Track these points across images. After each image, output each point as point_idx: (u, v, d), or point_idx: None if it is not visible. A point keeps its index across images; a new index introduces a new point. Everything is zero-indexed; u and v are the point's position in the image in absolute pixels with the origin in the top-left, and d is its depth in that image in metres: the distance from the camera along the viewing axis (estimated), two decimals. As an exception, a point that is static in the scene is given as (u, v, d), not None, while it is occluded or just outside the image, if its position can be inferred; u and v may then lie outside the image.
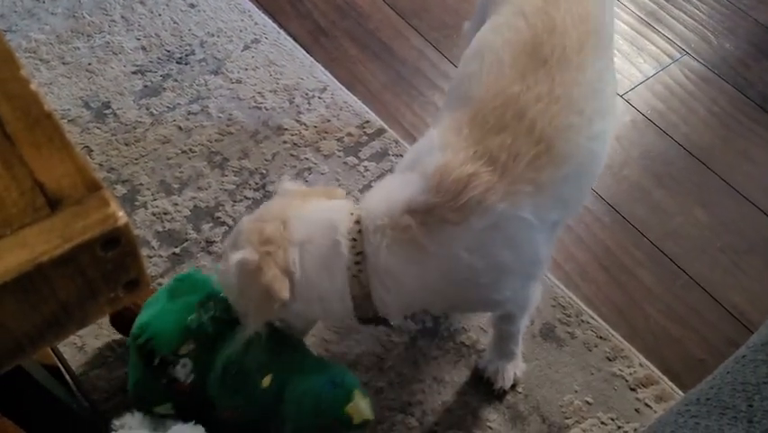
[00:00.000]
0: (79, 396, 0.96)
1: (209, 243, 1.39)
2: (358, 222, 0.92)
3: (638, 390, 1.27)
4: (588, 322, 1.34)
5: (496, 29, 1.01)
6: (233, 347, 0.99)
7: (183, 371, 1.02)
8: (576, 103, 0.92)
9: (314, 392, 0.99)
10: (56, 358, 1.01)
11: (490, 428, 1.21)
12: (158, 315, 1.06)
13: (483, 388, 1.25)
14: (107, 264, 0.48)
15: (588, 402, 1.25)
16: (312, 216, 0.94)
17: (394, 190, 0.94)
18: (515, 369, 1.24)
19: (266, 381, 1.00)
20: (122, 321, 1.16)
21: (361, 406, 0.99)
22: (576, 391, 1.26)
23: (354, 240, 0.91)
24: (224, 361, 1.01)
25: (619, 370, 1.29)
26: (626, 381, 1.28)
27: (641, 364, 1.30)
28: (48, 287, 0.47)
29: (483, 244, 0.90)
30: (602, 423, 1.23)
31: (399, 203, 0.90)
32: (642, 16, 1.89)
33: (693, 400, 0.63)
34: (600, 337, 1.33)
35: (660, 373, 1.29)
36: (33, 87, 0.53)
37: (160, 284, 1.33)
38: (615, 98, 1.04)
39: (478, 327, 1.32)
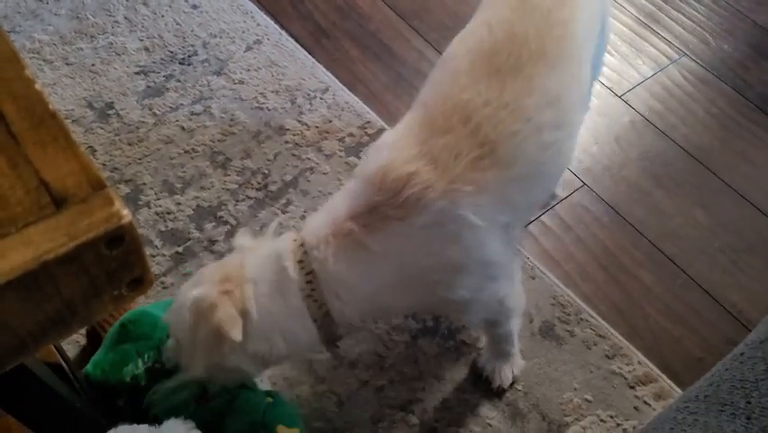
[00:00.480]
0: (82, 394, 0.97)
1: (212, 242, 1.40)
2: (302, 244, 0.92)
3: (637, 388, 1.28)
4: (587, 321, 1.35)
5: (463, 37, 1.04)
6: (160, 392, 0.97)
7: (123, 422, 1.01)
8: (524, 111, 0.92)
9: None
10: (59, 356, 1.02)
11: (490, 425, 1.22)
12: (97, 363, 1.06)
13: (483, 386, 1.25)
14: (112, 262, 0.49)
15: (587, 400, 1.26)
16: (261, 253, 0.94)
17: (335, 204, 0.94)
18: (512, 367, 1.24)
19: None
20: (98, 339, 1.16)
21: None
22: (575, 389, 1.27)
23: (301, 261, 0.91)
24: (151, 407, 0.99)
25: (618, 368, 1.30)
26: (626, 379, 1.29)
27: (640, 363, 1.30)
28: (52, 285, 0.48)
29: (427, 241, 0.91)
30: (601, 421, 1.24)
31: (342, 211, 0.91)
32: (640, 18, 1.90)
33: (692, 398, 0.64)
34: (600, 336, 1.33)
35: (659, 372, 1.29)
36: (38, 86, 0.53)
37: (163, 283, 1.34)
38: (576, 111, 1.02)
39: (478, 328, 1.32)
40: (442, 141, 0.90)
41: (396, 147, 0.93)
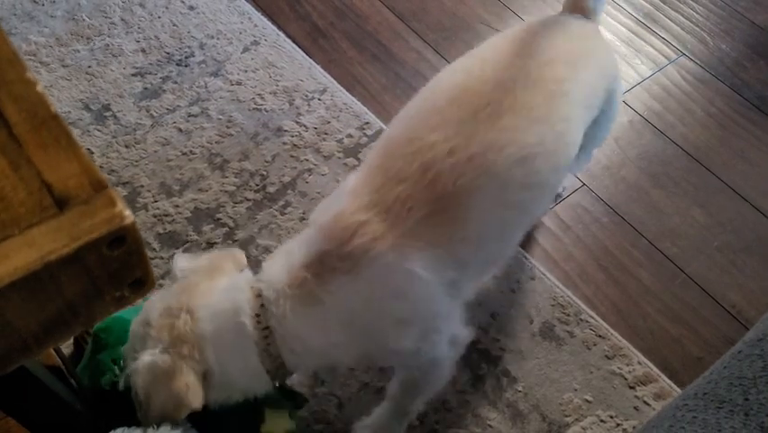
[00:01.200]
0: (81, 395, 0.96)
1: (210, 244, 1.39)
2: (259, 296, 0.89)
3: (637, 388, 1.28)
4: (587, 321, 1.35)
5: (453, 68, 0.99)
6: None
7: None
8: (491, 166, 0.87)
9: (228, 429, 0.98)
10: (58, 358, 1.01)
11: (490, 426, 1.22)
12: (79, 374, 1.05)
13: (483, 387, 1.25)
14: (113, 263, 0.49)
15: (587, 400, 1.26)
16: (216, 302, 0.89)
17: (291, 251, 0.91)
18: None
19: None
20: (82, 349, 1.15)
21: (276, 421, 0.99)
22: (575, 390, 1.27)
23: (258, 315, 0.88)
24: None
25: (618, 368, 1.30)
26: (625, 379, 1.29)
27: (639, 363, 1.31)
28: (55, 286, 0.48)
29: (373, 294, 0.87)
30: (601, 421, 1.24)
31: (296, 261, 0.88)
32: (639, 18, 1.90)
33: (691, 395, 0.64)
34: (599, 336, 1.33)
35: (658, 371, 1.29)
36: (39, 88, 0.53)
37: (161, 286, 1.33)
38: (552, 173, 0.96)
39: (478, 328, 1.32)
40: (397, 189, 0.86)
41: (352, 193, 0.89)
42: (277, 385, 0.95)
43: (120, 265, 0.50)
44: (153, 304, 0.91)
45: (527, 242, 1.46)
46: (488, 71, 0.93)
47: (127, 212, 0.48)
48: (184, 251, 1.38)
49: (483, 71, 0.93)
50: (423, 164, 0.86)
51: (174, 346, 0.85)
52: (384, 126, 1.60)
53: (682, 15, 1.92)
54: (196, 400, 0.84)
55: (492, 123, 0.87)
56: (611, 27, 1.88)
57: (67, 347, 1.23)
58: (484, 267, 1.03)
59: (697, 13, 1.92)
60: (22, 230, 0.46)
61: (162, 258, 1.37)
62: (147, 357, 0.85)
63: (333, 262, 0.86)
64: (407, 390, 1.09)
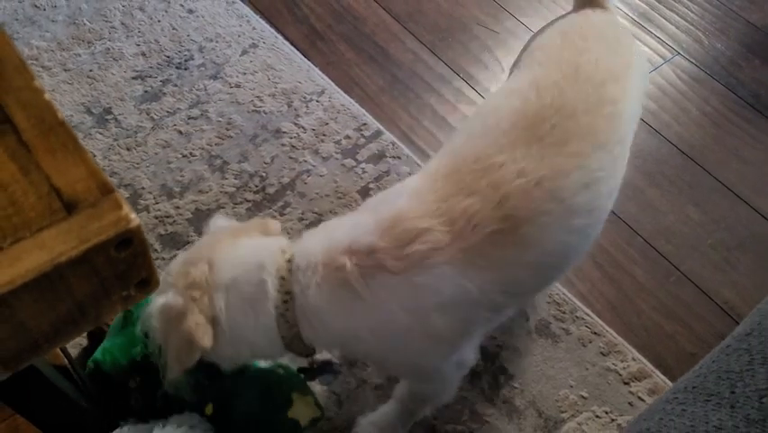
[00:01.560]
0: (87, 394, 0.98)
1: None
2: (290, 260, 0.89)
3: (632, 383, 1.30)
4: (582, 318, 1.37)
5: (508, 93, 0.98)
6: (166, 385, 0.97)
7: (136, 404, 1.03)
8: (560, 191, 0.87)
9: (253, 411, 0.99)
10: (64, 357, 1.03)
11: (487, 422, 1.24)
12: (106, 350, 1.07)
13: (480, 384, 1.27)
14: (120, 264, 0.51)
15: (582, 396, 1.28)
16: (239, 256, 0.90)
17: (339, 229, 0.91)
18: None
19: (208, 410, 1.00)
20: (98, 338, 1.17)
21: (303, 408, 1.00)
22: (571, 386, 1.29)
23: (283, 278, 0.87)
24: (162, 398, 1.01)
25: (613, 364, 1.32)
26: (620, 375, 1.31)
27: (634, 359, 1.33)
28: (64, 286, 0.49)
29: (417, 303, 0.86)
30: (597, 416, 1.26)
31: (341, 242, 0.87)
32: (634, 17, 1.93)
33: (681, 389, 0.66)
34: (595, 333, 1.35)
35: (652, 367, 1.31)
36: (47, 96, 0.55)
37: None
38: (611, 196, 0.96)
39: (475, 325, 1.34)
40: (464, 203, 0.85)
41: (416, 196, 0.88)
42: (307, 359, 0.96)
43: (127, 266, 0.51)
44: (178, 258, 0.95)
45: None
46: (545, 95, 0.92)
47: (133, 215, 0.50)
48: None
49: (541, 96, 0.93)
50: (492, 182, 0.85)
51: (187, 290, 0.86)
52: (381, 127, 1.61)
53: (677, 15, 1.94)
54: (206, 338, 0.84)
55: (560, 148, 0.88)
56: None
57: (80, 343, 1.25)
58: (531, 295, 1.02)
59: (692, 12, 1.94)
60: (32, 233, 0.48)
61: (164, 259, 1.39)
62: (161, 300, 0.87)
63: (384, 260, 0.84)
64: (414, 398, 1.10)
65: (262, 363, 1.05)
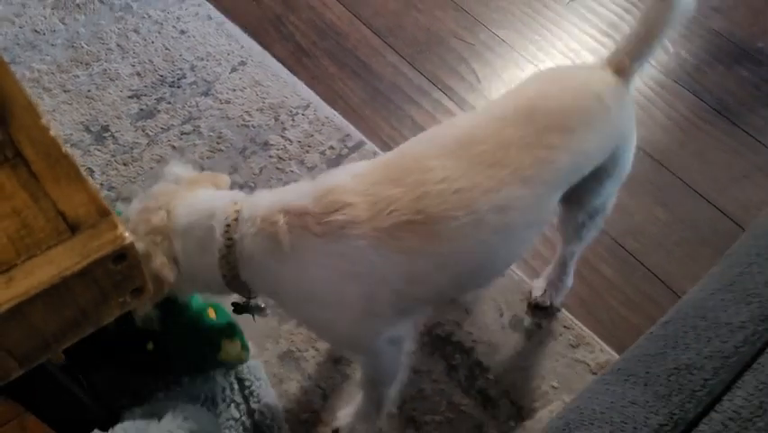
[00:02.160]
0: (90, 393, 1.08)
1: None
2: (238, 211, 1.00)
3: (599, 373, 1.39)
4: (553, 313, 1.46)
5: (469, 117, 1.12)
6: (137, 320, 1.12)
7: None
8: (472, 204, 0.96)
9: (189, 357, 1.20)
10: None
11: (464, 412, 1.33)
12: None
13: (457, 376, 1.37)
14: (117, 275, 0.60)
15: (553, 387, 1.38)
16: (194, 204, 1.02)
17: (285, 191, 1.04)
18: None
19: (149, 346, 1.20)
20: None
21: (231, 351, 1.20)
22: (543, 377, 1.39)
23: (228, 226, 0.99)
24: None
25: (582, 356, 1.41)
26: (589, 365, 1.40)
27: (602, 350, 1.42)
28: (70, 295, 0.59)
29: (330, 266, 0.97)
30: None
31: (281, 201, 0.99)
32: (603, 27, 2.02)
33: (609, 371, 0.75)
34: (565, 327, 1.45)
35: (619, 358, 1.41)
36: (52, 132, 0.65)
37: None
38: (523, 228, 1.04)
39: (453, 322, 1.44)
40: (390, 191, 0.96)
41: (354, 176, 1.00)
42: (241, 302, 1.12)
43: (123, 277, 0.61)
44: (134, 205, 1.05)
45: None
46: (495, 127, 1.03)
47: (127, 233, 0.59)
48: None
49: (492, 126, 1.04)
50: (418, 180, 0.96)
51: (148, 235, 0.98)
52: (364, 138, 1.71)
53: (645, 24, 2.03)
54: (170, 274, 0.98)
55: (484, 169, 0.98)
56: (577, 37, 2.00)
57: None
58: (432, 295, 1.10)
59: (658, 21, 2.04)
60: (43, 251, 0.57)
61: (161, 267, 1.48)
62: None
63: (310, 222, 0.96)
64: (365, 380, 1.22)
65: (201, 300, 1.24)
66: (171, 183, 1.09)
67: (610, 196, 1.25)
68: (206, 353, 1.22)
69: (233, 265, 1.00)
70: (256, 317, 1.19)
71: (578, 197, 1.20)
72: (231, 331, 1.23)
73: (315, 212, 0.96)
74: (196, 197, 1.04)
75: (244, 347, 1.24)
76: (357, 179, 1.00)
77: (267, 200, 1.01)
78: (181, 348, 1.21)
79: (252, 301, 1.13)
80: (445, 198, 0.96)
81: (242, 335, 1.26)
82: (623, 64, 1.12)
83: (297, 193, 1.00)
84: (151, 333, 1.20)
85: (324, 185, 0.99)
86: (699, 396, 0.64)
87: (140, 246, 0.95)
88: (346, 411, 1.28)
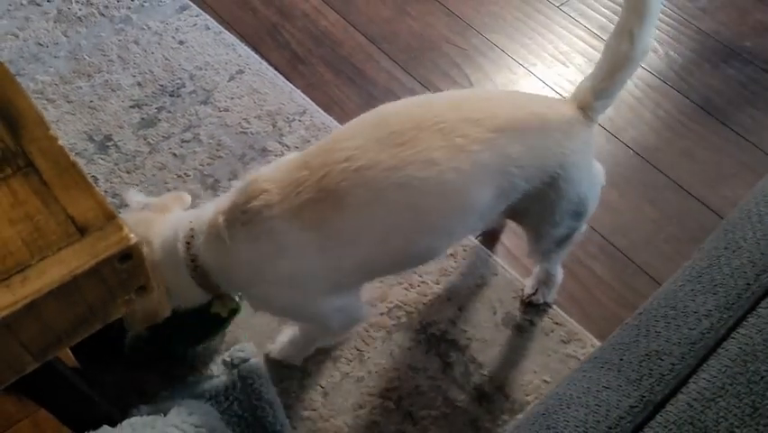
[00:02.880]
0: (99, 391, 1.12)
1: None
2: (192, 228, 1.10)
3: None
4: (545, 310, 1.51)
5: (400, 102, 1.14)
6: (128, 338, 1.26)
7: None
8: (371, 181, 1.01)
9: (180, 313, 1.23)
10: (76, 361, 1.18)
11: (460, 407, 1.38)
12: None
13: (452, 373, 1.41)
14: (123, 274, 0.65)
15: (546, 381, 1.42)
16: (164, 231, 1.12)
17: (222, 196, 1.14)
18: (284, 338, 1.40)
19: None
20: None
21: (221, 303, 1.24)
22: (535, 372, 1.43)
23: (188, 243, 1.10)
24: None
25: (573, 351, 1.46)
26: (580, 360, 1.44)
27: (593, 345, 1.46)
28: (80, 293, 0.64)
29: (255, 248, 1.07)
30: (557, 398, 1.39)
31: (219, 204, 1.10)
32: (592, 29, 2.07)
33: (589, 360, 0.80)
34: (556, 323, 1.49)
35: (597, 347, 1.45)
36: (60, 143, 0.70)
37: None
38: (436, 212, 1.08)
39: (447, 320, 1.48)
40: (298, 174, 1.04)
41: (277, 166, 1.10)
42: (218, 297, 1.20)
43: (128, 275, 0.65)
44: None
45: (491, 242, 1.62)
46: (417, 111, 1.06)
47: (132, 234, 0.64)
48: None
49: (414, 110, 1.07)
50: (324, 162, 1.04)
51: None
52: (360, 143, 1.76)
53: (633, 26, 2.08)
54: (166, 312, 1.11)
55: (391, 148, 1.02)
56: (567, 40, 2.05)
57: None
58: (365, 268, 1.16)
59: (646, 23, 2.08)
60: (54, 252, 0.62)
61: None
62: None
63: (237, 214, 1.06)
64: (303, 333, 1.35)
65: None
66: (139, 210, 1.19)
67: (572, 228, 1.26)
68: (196, 313, 1.24)
69: (204, 277, 1.10)
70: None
71: (534, 225, 1.26)
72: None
73: (240, 203, 1.06)
74: (164, 223, 1.14)
75: (235, 303, 1.28)
76: (279, 167, 1.09)
77: (210, 209, 1.12)
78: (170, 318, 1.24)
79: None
80: (346, 176, 1.02)
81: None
82: (586, 100, 1.13)
83: (230, 192, 1.11)
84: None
85: (249, 178, 1.09)
86: (668, 379, 0.68)
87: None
88: (285, 335, 1.40)
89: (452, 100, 1.12)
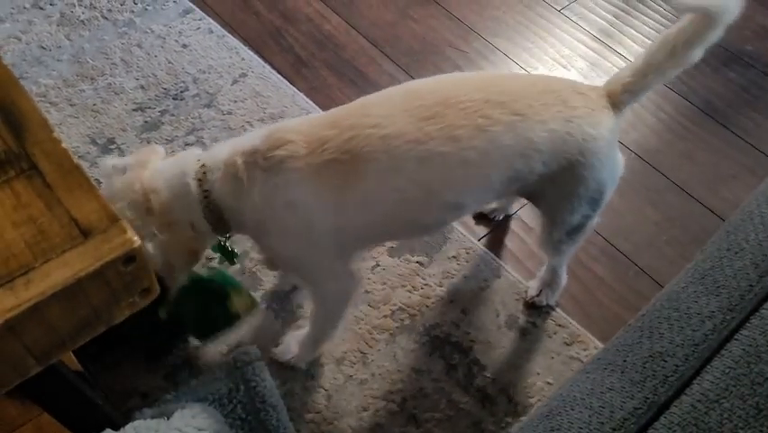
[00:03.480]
0: (102, 394, 1.13)
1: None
2: (203, 165, 1.11)
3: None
4: (548, 312, 1.51)
5: (433, 78, 1.17)
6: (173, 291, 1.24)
7: None
8: (393, 150, 1.04)
9: (199, 309, 1.27)
10: (80, 365, 1.18)
11: (463, 409, 1.38)
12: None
13: (456, 375, 1.41)
14: (127, 277, 0.65)
15: (548, 383, 1.42)
16: (165, 173, 1.12)
17: (240, 138, 1.14)
18: (293, 340, 1.40)
19: (162, 313, 1.25)
20: None
21: (239, 300, 1.28)
22: (538, 374, 1.43)
23: (200, 180, 1.10)
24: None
25: (576, 353, 1.46)
26: (582, 362, 1.44)
27: (595, 347, 1.46)
28: (84, 295, 0.64)
29: (272, 196, 1.08)
30: (560, 400, 1.39)
31: (239, 144, 1.11)
32: (594, 34, 2.07)
33: (590, 362, 0.80)
34: (559, 325, 1.49)
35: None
36: (64, 145, 0.70)
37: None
38: (448, 187, 1.10)
39: (451, 322, 1.48)
40: (325, 132, 1.06)
41: (305, 120, 1.12)
42: (221, 243, 1.25)
43: (132, 278, 0.65)
44: (114, 206, 1.16)
45: (494, 244, 1.62)
46: (445, 87, 1.10)
47: (135, 237, 0.64)
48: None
49: (443, 86, 1.11)
50: (352, 125, 1.06)
51: (161, 223, 1.09)
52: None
53: (634, 30, 2.08)
54: (202, 245, 1.16)
55: (415, 121, 1.05)
56: (569, 43, 2.05)
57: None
58: (373, 232, 1.19)
59: (649, 27, 2.09)
60: (58, 255, 0.62)
61: (167, 274, 1.53)
62: (150, 245, 1.08)
63: (258, 159, 1.07)
64: (313, 317, 1.35)
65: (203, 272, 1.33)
66: (120, 174, 1.17)
67: (586, 218, 1.26)
68: (217, 307, 1.28)
69: (215, 212, 1.11)
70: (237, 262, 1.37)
71: (549, 210, 1.26)
72: (235, 283, 1.32)
73: (262, 149, 1.08)
74: (163, 166, 1.14)
75: (252, 300, 1.31)
76: (306, 122, 1.11)
77: (225, 149, 1.12)
78: (192, 308, 1.27)
79: (229, 243, 1.28)
80: (371, 142, 1.05)
81: (246, 289, 1.33)
82: (615, 90, 1.15)
83: (250, 137, 1.12)
84: (161, 300, 1.26)
85: (274, 126, 1.11)
86: (671, 381, 0.68)
87: (164, 238, 1.09)
88: (289, 336, 1.41)
89: (480, 81, 1.14)
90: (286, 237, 1.13)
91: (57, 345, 0.66)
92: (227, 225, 1.14)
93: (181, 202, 1.10)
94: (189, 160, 1.14)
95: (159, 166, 1.14)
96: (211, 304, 1.28)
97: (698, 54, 1.10)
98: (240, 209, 1.11)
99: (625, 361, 0.73)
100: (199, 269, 1.35)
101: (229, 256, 1.32)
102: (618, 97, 1.15)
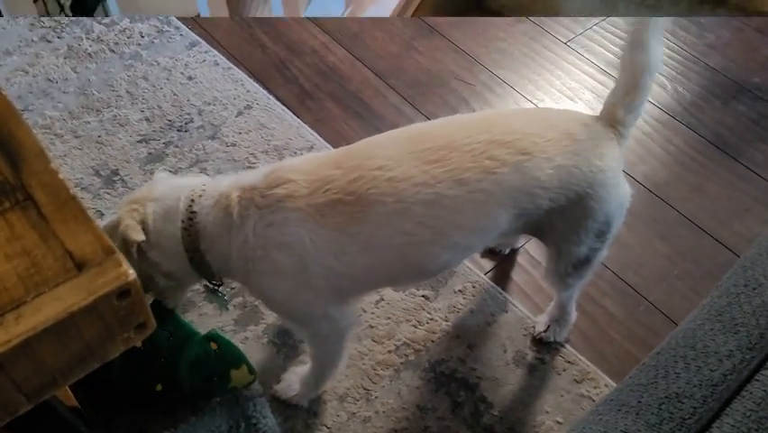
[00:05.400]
0: (92, 426, 1.09)
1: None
2: (204, 190, 1.10)
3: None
4: (556, 348, 1.47)
5: (438, 120, 1.17)
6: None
7: None
8: (400, 193, 1.03)
9: (198, 390, 1.27)
10: (76, 400, 1.15)
11: (469, 449, 1.34)
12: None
13: (462, 413, 1.37)
14: (121, 311, 0.63)
15: (558, 422, 1.38)
16: (173, 182, 1.14)
17: (244, 173, 1.13)
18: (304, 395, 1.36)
19: (158, 387, 1.26)
20: None
21: (240, 378, 1.27)
22: (547, 412, 1.39)
23: (192, 200, 1.09)
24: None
25: (587, 391, 1.42)
26: (593, 400, 1.40)
27: (606, 385, 1.42)
28: (77, 330, 0.61)
29: (265, 234, 1.05)
30: (570, 440, 1.35)
31: (238, 181, 1.10)
32: (601, 66, 2.07)
33: (602, 402, 0.77)
34: (568, 362, 1.46)
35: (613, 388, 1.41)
36: (61, 176, 0.68)
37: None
38: (456, 229, 1.08)
39: (456, 358, 1.45)
40: (329, 172, 1.05)
41: (306, 159, 1.11)
42: (208, 286, 1.24)
43: (127, 312, 0.63)
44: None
45: (501, 278, 1.60)
46: (450, 129, 1.09)
47: (131, 270, 0.62)
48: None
49: (448, 128, 1.10)
50: (357, 165, 1.04)
51: (127, 205, 1.10)
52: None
53: (641, 62, 2.07)
54: (137, 234, 1.07)
55: (423, 164, 1.04)
56: (575, 76, 2.04)
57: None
58: (374, 276, 1.16)
59: (655, 59, 2.08)
60: (51, 288, 0.60)
61: (168, 307, 1.51)
62: (104, 222, 1.10)
63: (255, 196, 1.06)
64: (311, 356, 1.33)
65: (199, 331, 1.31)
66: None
67: (594, 251, 1.23)
68: (216, 385, 1.26)
69: (193, 238, 1.09)
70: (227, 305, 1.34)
71: (555, 242, 1.23)
72: (236, 359, 1.27)
73: (261, 187, 1.06)
74: (173, 180, 1.17)
75: (251, 371, 1.28)
76: (308, 161, 1.09)
77: (227, 181, 1.12)
78: (191, 386, 1.25)
79: (220, 289, 1.25)
80: (377, 184, 1.03)
81: (246, 358, 1.29)
82: (615, 116, 1.16)
83: (253, 174, 1.11)
84: (160, 375, 1.25)
85: (276, 165, 1.10)
86: (689, 424, 0.65)
87: (112, 218, 1.11)
88: (290, 372, 1.38)
89: (483, 121, 1.12)
90: (277, 278, 1.09)
91: (48, 382, 0.64)
92: (202, 258, 1.11)
93: (161, 213, 1.10)
94: (195, 182, 1.14)
95: (171, 180, 1.17)
96: (209, 382, 1.25)
97: (661, 39, 1.12)
98: (224, 245, 1.08)
99: (639, 402, 0.70)
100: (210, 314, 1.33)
101: (221, 303, 1.32)
102: (622, 120, 1.17)
